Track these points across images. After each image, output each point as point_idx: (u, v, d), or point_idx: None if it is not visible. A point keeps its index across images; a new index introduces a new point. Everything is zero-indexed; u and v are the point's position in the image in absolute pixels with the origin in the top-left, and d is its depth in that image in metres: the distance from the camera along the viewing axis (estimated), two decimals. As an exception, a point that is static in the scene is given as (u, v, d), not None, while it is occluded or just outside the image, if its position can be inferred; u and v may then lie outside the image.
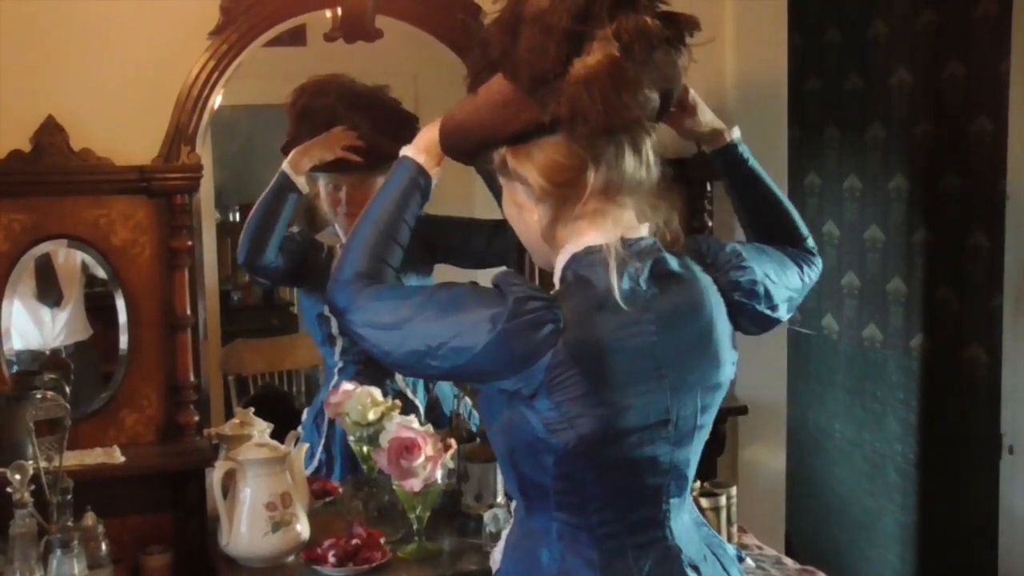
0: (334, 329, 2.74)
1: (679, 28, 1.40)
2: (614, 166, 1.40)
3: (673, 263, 1.46)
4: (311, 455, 2.75)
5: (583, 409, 1.37)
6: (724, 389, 1.52)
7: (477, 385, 1.52)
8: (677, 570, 1.46)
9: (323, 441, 2.77)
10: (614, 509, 1.44)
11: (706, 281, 1.50)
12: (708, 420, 1.50)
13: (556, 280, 1.46)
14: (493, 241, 2.73)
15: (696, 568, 1.48)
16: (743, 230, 1.77)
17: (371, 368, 2.72)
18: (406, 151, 1.57)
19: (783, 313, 1.60)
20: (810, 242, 1.72)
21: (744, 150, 1.68)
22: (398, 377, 2.76)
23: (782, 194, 1.72)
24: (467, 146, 1.49)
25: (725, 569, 1.53)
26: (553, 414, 1.37)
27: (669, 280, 1.45)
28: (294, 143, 2.66)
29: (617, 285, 1.38)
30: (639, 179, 1.43)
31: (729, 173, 1.70)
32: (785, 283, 1.60)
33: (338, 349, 2.76)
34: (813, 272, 1.68)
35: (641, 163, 1.42)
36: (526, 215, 1.47)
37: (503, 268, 1.46)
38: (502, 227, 2.64)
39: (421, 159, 1.55)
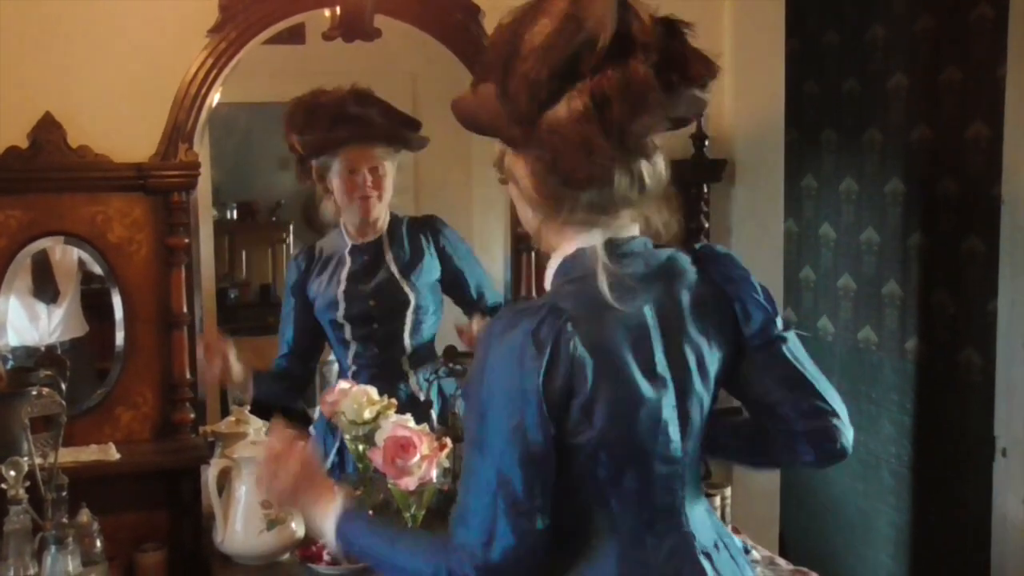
0: (347, 335, 2.72)
1: (686, 70, 1.37)
2: (601, 189, 1.40)
3: (663, 256, 1.48)
4: (324, 455, 2.74)
5: (599, 405, 1.37)
6: (725, 367, 1.52)
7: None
8: (691, 556, 1.48)
9: (337, 443, 2.73)
10: (632, 499, 1.45)
11: (695, 266, 1.51)
12: (711, 408, 1.52)
13: (547, 283, 1.48)
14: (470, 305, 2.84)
15: (708, 556, 1.50)
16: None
17: (385, 371, 2.72)
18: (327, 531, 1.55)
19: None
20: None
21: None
22: (411, 380, 2.75)
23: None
24: (473, 131, 1.50)
25: (733, 558, 1.55)
26: (574, 414, 1.38)
27: (662, 275, 1.47)
28: (304, 131, 2.60)
29: (607, 287, 1.39)
30: (631, 198, 1.42)
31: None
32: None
33: (351, 353, 2.74)
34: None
35: (633, 183, 1.42)
36: (521, 209, 1.50)
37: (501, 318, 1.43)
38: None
39: (331, 527, 1.55)
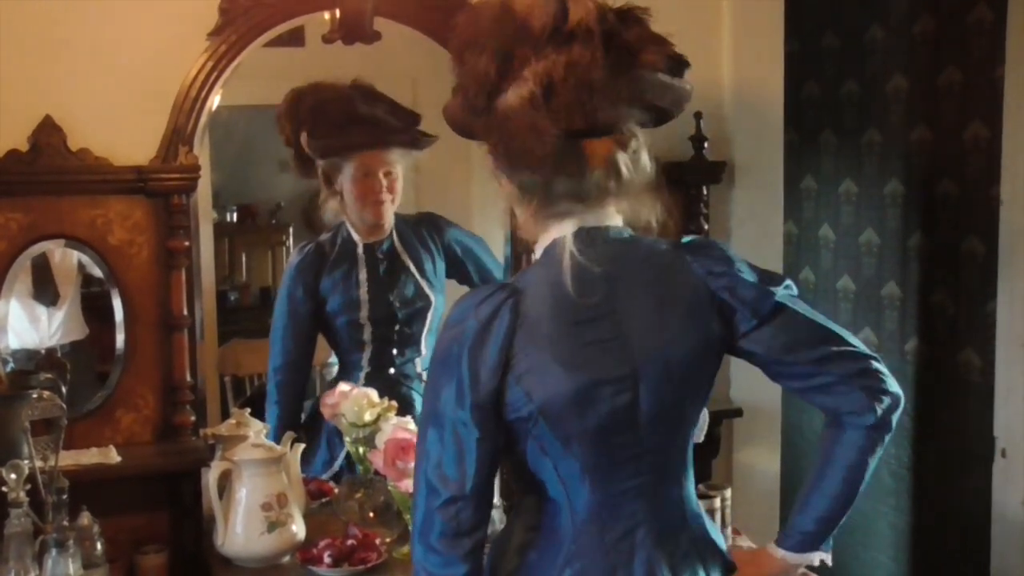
0: (366, 336, 2.71)
1: (637, 53, 1.41)
2: (576, 177, 1.43)
3: (642, 246, 1.50)
4: (333, 459, 2.74)
5: (535, 381, 1.41)
6: (698, 357, 1.50)
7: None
8: (645, 542, 1.48)
9: (345, 446, 2.72)
10: (585, 480, 1.46)
11: (674, 256, 1.51)
12: (683, 393, 1.50)
13: None
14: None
15: (665, 544, 1.49)
16: None
17: (401, 373, 2.72)
18: None
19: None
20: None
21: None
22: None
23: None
24: (459, 134, 1.54)
25: (699, 553, 1.53)
26: (511, 387, 1.41)
27: (635, 264, 1.48)
28: (315, 134, 2.59)
29: (568, 272, 1.43)
30: (608, 187, 1.45)
31: None
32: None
33: (367, 355, 2.73)
34: None
35: (610, 173, 1.44)
36: (512, 205, 1.54)
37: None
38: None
39: None
